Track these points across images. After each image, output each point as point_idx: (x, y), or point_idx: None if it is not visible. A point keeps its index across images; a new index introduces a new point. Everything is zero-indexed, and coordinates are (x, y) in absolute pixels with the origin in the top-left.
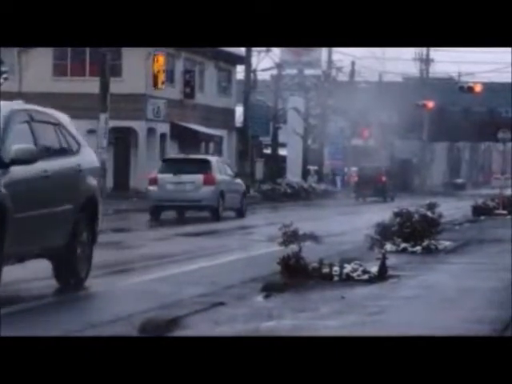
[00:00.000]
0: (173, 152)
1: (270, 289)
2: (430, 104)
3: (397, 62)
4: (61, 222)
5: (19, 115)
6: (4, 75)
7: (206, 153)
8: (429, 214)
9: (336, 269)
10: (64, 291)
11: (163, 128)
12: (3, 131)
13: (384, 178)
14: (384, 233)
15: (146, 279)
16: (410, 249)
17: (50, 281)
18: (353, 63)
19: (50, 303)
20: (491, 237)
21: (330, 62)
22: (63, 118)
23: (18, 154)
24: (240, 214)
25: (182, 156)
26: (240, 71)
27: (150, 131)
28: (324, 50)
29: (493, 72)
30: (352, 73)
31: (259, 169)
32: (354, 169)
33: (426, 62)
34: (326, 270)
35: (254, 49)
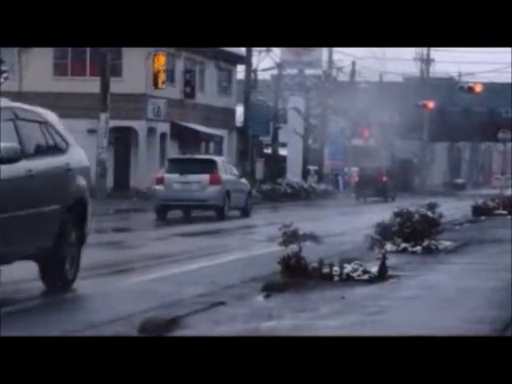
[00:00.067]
0: (173, 152)
1: (270, 289)
2: (431, 104)
3: (397, 62)
4: (47, 223)
5: (3, 113)
6: (4, 74)
7: (207, 152)
8: (429, 214)
9: (336, 269)
10: (51, 293)
11: (163, 128)
12: None
13: (385, 178)
14: (384, 233)
15: (146, 279)
16: (411, 249)
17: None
18: (353, 63)
19: (50, 303)
20: (491, 237)
21: (330, 61)
22: (51, 116)
23: (1, 152)
24: (245, 213)
25: (188, 156)
26: (240, 71)
27: (151, 131)
28: (324, 50)
29: (493, 72)
30: (352, 73)
31: (259, 169)
32: (354, 169)
33: (427, 62)
34: (326, 270)
35: (254, 49)
